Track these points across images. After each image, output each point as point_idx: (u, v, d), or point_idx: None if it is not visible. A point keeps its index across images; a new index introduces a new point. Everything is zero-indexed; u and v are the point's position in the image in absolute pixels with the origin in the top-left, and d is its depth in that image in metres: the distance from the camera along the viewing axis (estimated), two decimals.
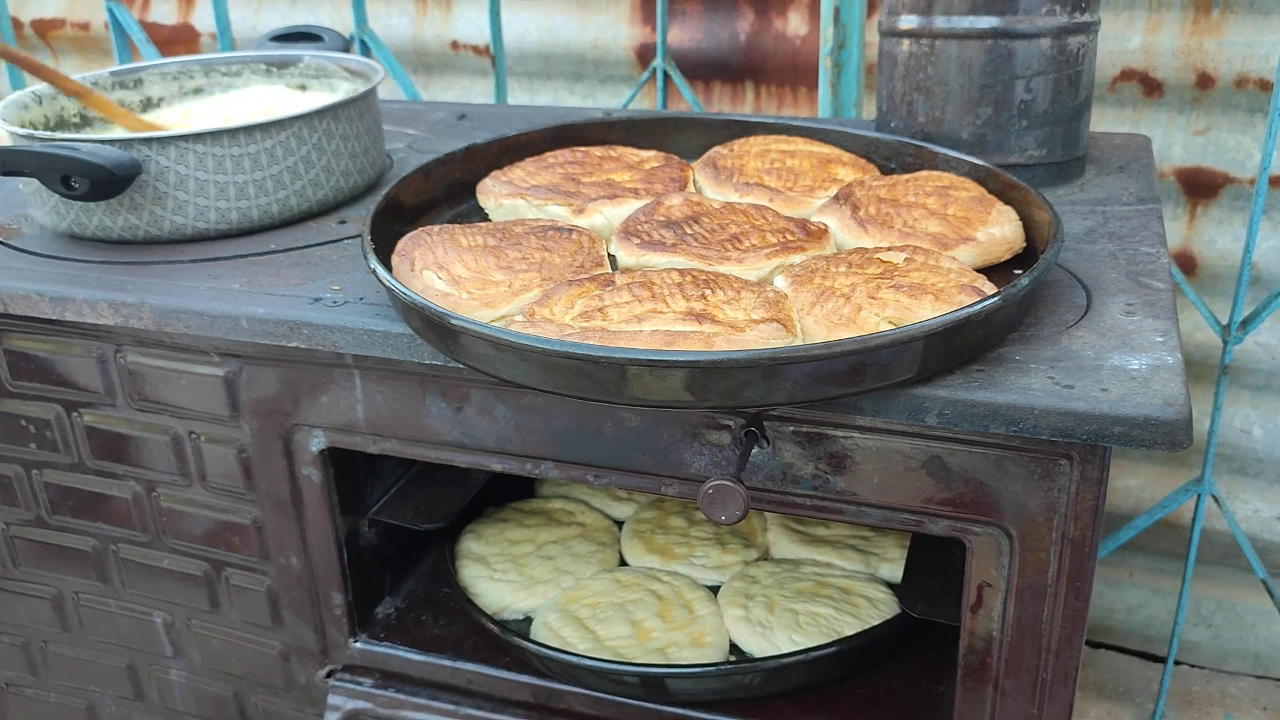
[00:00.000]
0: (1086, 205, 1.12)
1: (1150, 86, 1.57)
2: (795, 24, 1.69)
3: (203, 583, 1.18)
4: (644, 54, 1.76)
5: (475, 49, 1.87)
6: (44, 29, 2.19)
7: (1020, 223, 0.99)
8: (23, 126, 1.17)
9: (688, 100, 1.66)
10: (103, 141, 1.05)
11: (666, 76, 1.66)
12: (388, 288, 0.85)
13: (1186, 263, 1.62)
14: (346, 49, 1.41)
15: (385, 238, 0.99)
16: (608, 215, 1.03)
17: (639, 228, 0.96)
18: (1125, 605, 1.83)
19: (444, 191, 1.12)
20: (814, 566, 1.21)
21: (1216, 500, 1.53)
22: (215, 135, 1.07)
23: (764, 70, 1.73)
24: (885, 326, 0.80)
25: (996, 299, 0.78)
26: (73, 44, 2.19)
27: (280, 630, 1.17)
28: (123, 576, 1.22)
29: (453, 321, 0.79)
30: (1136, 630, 1.83)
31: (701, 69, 1.76)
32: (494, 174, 1.10)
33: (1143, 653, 1.84)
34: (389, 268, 0.93)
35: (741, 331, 0.77)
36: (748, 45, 1.72)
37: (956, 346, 0.79)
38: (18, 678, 1.36)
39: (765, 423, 0.88)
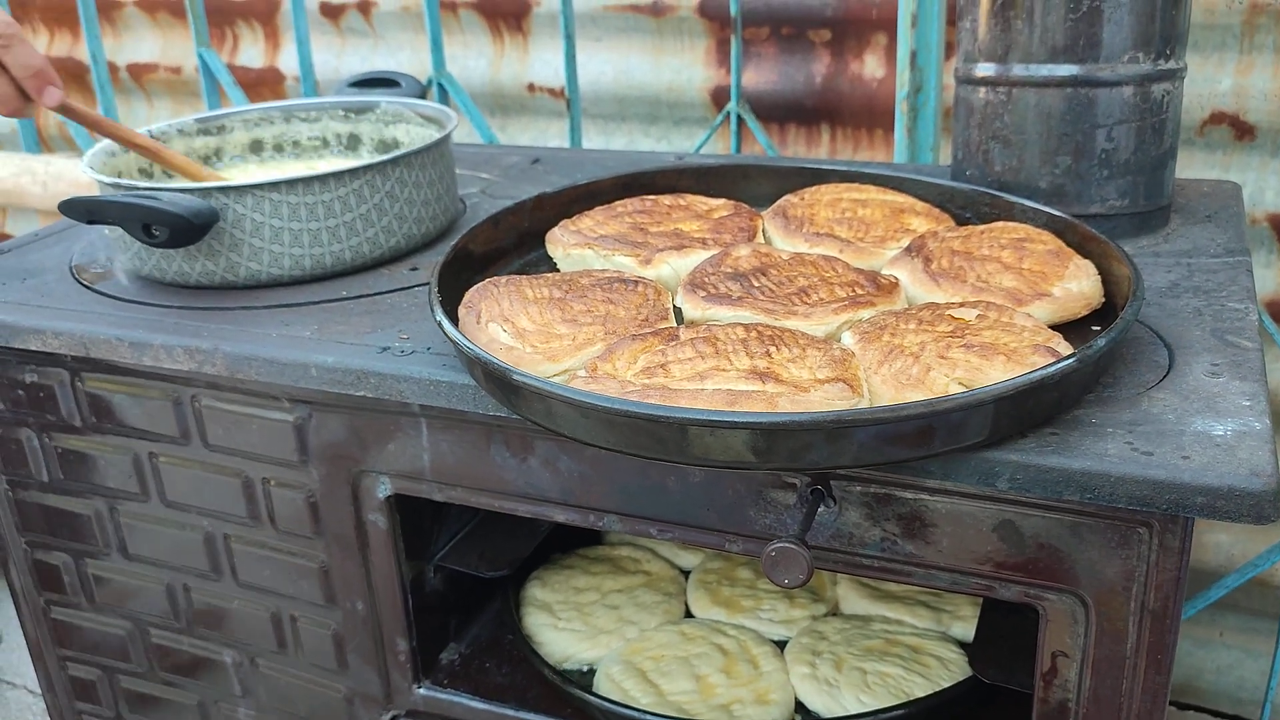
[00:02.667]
0: (1170, 257, 1.09)
1: (1242, 130, 1.52)
2: (871, 66, 1.68)
3: (270, 624, 1.19)
4: (719, 96, 1.76)
5: (551, 91, 1.88)
6: (139, 73, 2.26)
7: (1099, 277, 0.96)
8: (109, 174, 1.21)
9: (761, 144, 1.65)
10: (183, 190, 1.07)
11: (740, 120, 1.65)
12: (453, 341, 0.85)
13: None
14: (423, 95, 1.43)
15: (454, 287, 1.00)
16: (675, 266, 1.02)
17: (705, 280, 0.96)
18: (1215, 666, 1.76)
19: (513, 240, 1.12)
20: (884, 623, 1.18)
21: None
22: (290, 184, 1.09)
23: (840, 113, 1.72)
24: (955, 388, 0.78)
25: (1072, 361, 0.76)
26: (165, 87, 2.26)
27: (345, 674, 1.18)
28: (192, 615, 1.24)
29: (514, 377, 0.78)
30: (1227, 692, 1.76)
31: (776, 111, 1.75)
32: (563, 223, 1.10)
33: (1234, 716, 1.76)
34: (456, 318, 0.93)
35: (806, 391, 0.76)
36: (823, 87, 1.71)
37: (1029, 410, 0.77)
38: (100, 712, 1.38)
39: (832, 481, 0.86)
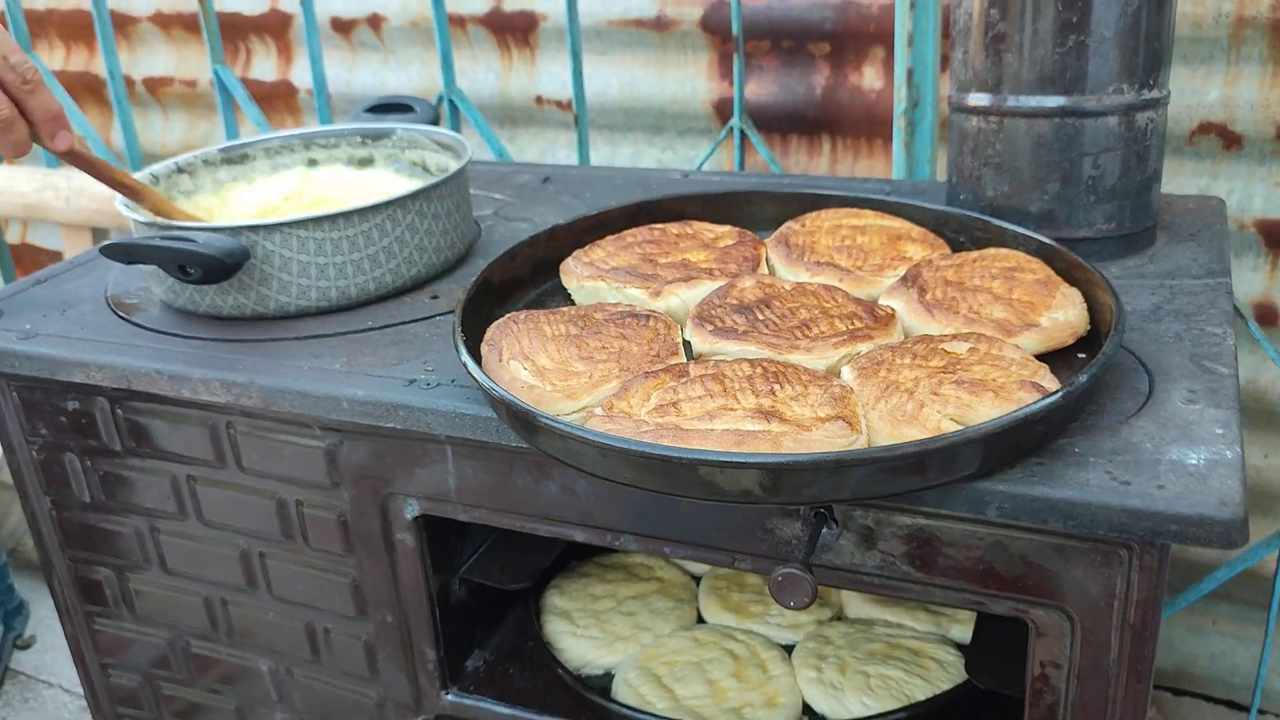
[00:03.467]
0: (1155, 279, 1.14)
1: (1229, 140, 1.57)
2: (870, 78, 1.73)
3: (304, 635, 1.26)
4: (722, 108, 1.81)
5: (559, 103, 1.93)
6: (154, 86, 2.31)
7: (1084, 305, 1.01)
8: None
9: (764, 157, 1.70)
10: (215, 230, 1.13)
11: (743, 134, 1.70)
12: (479, 383, 0.91)
13: (1268, 313, 1.62)
14: (436, 119, 1.48)
15: (475, 318, 1.06)
16: (683, 297, 1.08)
17: (712, 313, 1.01)
18: (1209, 653, 1.83)
19: (529, 271, 1.18)
20: (886, 627, 1.25)
21: None
22: (316, 220, 1.14)
23: (840, 123, 1.77)
24: (947, 423, 0.83)
25: (1055, 399, 0.81)
26: (180, 100, 2.31)
27: (376, 681, 1.24)
28: (230, 627, 1.31)
29: (538, 419, 0.84)
30: (1220, 678, 1.82)
31: (778, 122, 1.80)
32: (576, 254, 1.16)
33: (1227, 701, 1.83)
34: (478, 354, 0.99)
35: (808, 430, 0.81)
36: (823, 99, 1.76)
37: (1016, 443, 0.83)
38: (141, 715, 1.45)
39: (835, 506, 0.92)
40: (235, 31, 2.17)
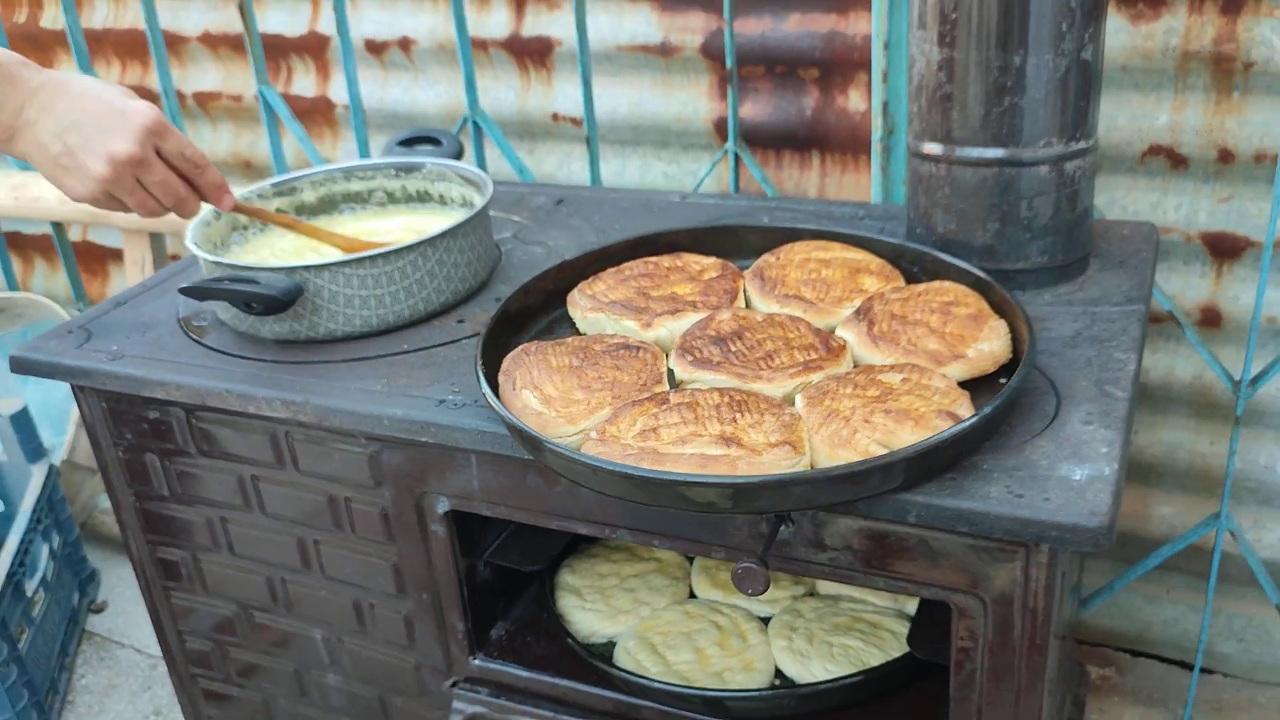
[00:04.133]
0: (1079, 305, 1.32)
1: (1176, 160, 1.73)
2: (855, 101, 1.90)
3: (352, 610, 1.47)
4: (721, 126, 1.99)
5: (573, 120, 2.11)
6: (204, 100, 2.51)
7: (1008, 337, 1.19)
8: (207, 243, 1.47)
9: (756, 178, 1.88)
10: (273, 270, 1.33)
11: (738, 157, 1.88)
12: (497, 413, 1.10)
13: (1213, 316, 1.79)
14: (460, 152, 1.67)
15: (494, 345, 1.25)
16: (670, 329, 1.27)
17: (693, 344, 1.20)
18: (1162, 619, 2.01)
19: (541, 302, 1.37)
20: (850, 602, 1.44)
21: (1234, 535, 1.71)
22: (359, 261, 1.34)
23: (828, 141, 1.94)
24: (875, 447, 1.02)
25: (961, 428, 1.00)
26: (228, 113, 2.51)
27: (414, 649, 1.46)
28: (288, 601, 1.53)
29: (543, 444, 1.04)
30: (1173, 641, 2.01)
31: (772, 139, 1.97)
32: (580, 287, 1.35)
33: (1179, 662, 2.02)
34: (496, 382, 1.19)
35: (759, 455, 1.01)
36: (813, 119, 1.93)
37: (929, 464, 1.01)
38: (211, 674, 1.68)
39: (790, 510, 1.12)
40: (277, 51, 2.36)
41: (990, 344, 1.18)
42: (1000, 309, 1.24)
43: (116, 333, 1.48)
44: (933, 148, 1.35)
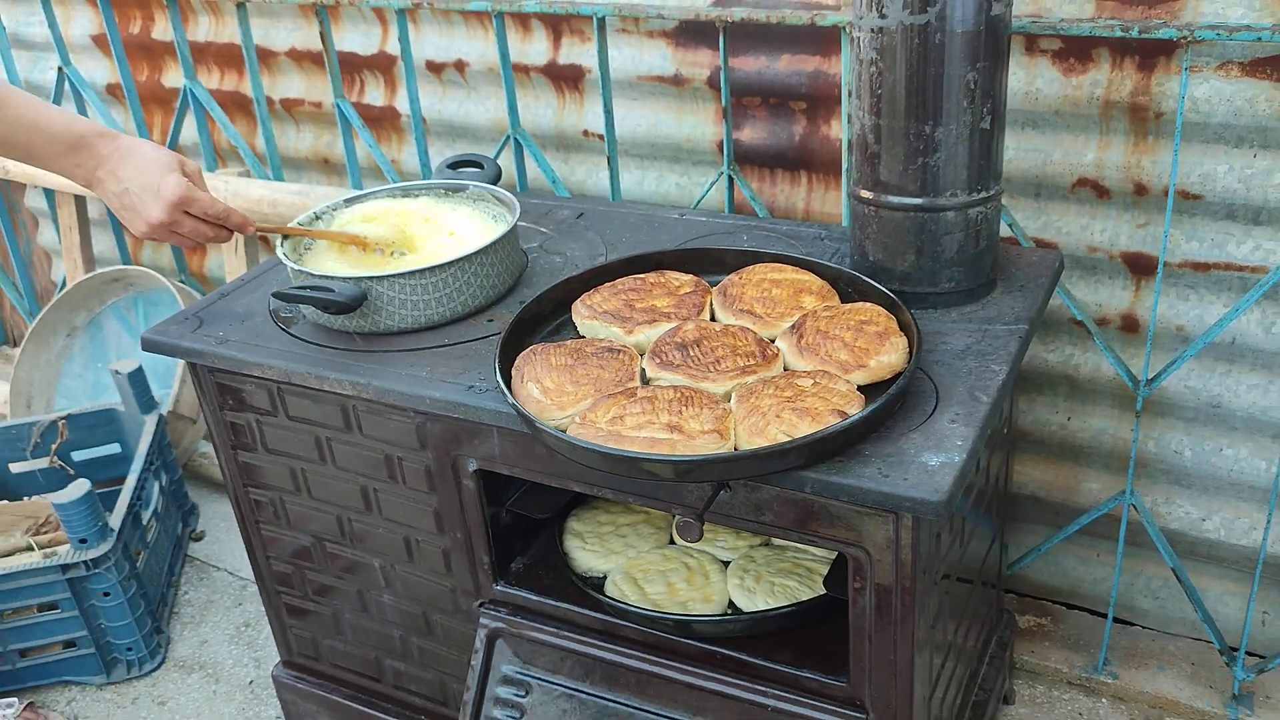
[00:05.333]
0: (976, 323, 1.65)
1: (1101, 191, 2.03)
2: (835, 130, 2.22)
3: (403, 544, 1.87)
4: (724, 147, 2.33)
5: (600, 136, 2.47)
6: (289, 105, 2.90)
7: (905, 351, 1.53)
8: (293, 250, 1.85)
9: (746, 196, 2.23)
10: (344, 279, 1.71)
11: (731, 179, 2.23)
12: (507, 398, 1.48)
13: (1132, 323, 2.10)
14: (498, 176, 2.04)
15: (513, 344, 1.62)
16: (647, 335, 1.62)
17: (661, 349, 1.56)
18: (1093, 578, 2.34)
19: (551, 309, 1.73)
20: (795, 552, 1.81)
21: (1136, 508, 2.04)
22: (410, 274, 1.72)
23: (814, 163, 2.27)
24: (781, 436, 1.38)
25: (843, 425, 1.35)
26: (309, 117, 2.90)
27: (450, 576, 1.85)
28: (353, 535, 1.93)
29: (537, 425, 1.42)
30: (1100, 597, 2.34)
31: (767, 160, 2.31)
32: (582, 297, 1.71)
33: (1104, 614, 2.35)
34: (509, 376, 1.56)
35: (693, 440, 1.37)
36: (801, 144, 2.26)
37: (824, 449, 1.36)
38: (292, 592, 2.10)
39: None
40: (351, 66, 2.74)
41: (889, 357, 1.52)
42: (905, 327, 1.58)
43: (222, 321, 1.88)
44: (865, 193, 1.69)
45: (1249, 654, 2.19)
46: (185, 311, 1.93)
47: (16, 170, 3.22)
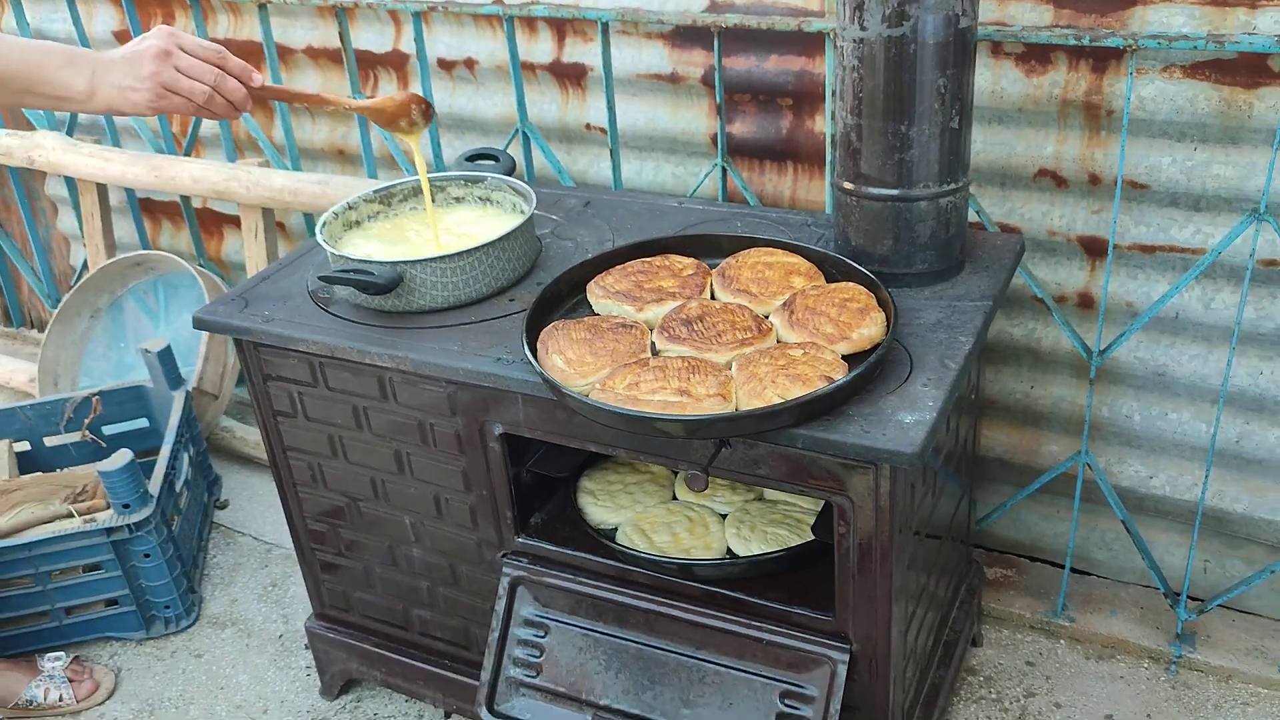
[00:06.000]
0: (947, 300, 1.87)
1: (1059, 181, 2.25)
2: (819, 124, 2.43)
3: (432, 502, 2.07)
4: (717, 140, 2.53)
5: (602, 130, 2.66)
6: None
7: (884, 325, 1.74)
8: (331, 237, 2.05)
9: (739, 185, 2.43)
10: (382, 263, 1.91)
11: (725, 170, 2.43)
12: (535, 369, 1.68)
13: (1087, 300, 2.32)
14: (512, 169, 2.23)
15: (536, 320, 1.82)
16: (656, 312, 1.83)
17: (669, 325, 1.77)
18: (1054, 532, 2.57)
19: (568, 290, 1.94)
20: (785, 505, 2.02)
21: (1091, 467, 2.27)
22: (440, 259, 1.91)
23: (799, 154, 2.48)
24: (776, 399, 1.59)
25: (829, 388, 1.56)
26: (326, 111, 3.09)
27: (476, 529, 2.06)
28: (386, 494, 2.13)
29: (562, 390, 1.62)
30: (1060, 549, 2.57)
31: (757, 152, 2.51)
32: (596, 279, 1.91)
33: (1063, 565, 2.58)
34: (535, 347, 1.76)
35: (700, 402, 1.58)
36: (788, 137, 2.47)
37: (813, 410, 1.57)
38: (326, 549, 2.30)
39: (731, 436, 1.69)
40: (367, 64, 2.92)
41: (869, 330, 1.73)
42: (883, 304, 1.79)
43: (265, 302, 2.07)
44: (848, 185, 1.90)
45: (1191, 598, 2.43)
46: (230, 294, 2.12)
47: (41, 160, 3.38)
